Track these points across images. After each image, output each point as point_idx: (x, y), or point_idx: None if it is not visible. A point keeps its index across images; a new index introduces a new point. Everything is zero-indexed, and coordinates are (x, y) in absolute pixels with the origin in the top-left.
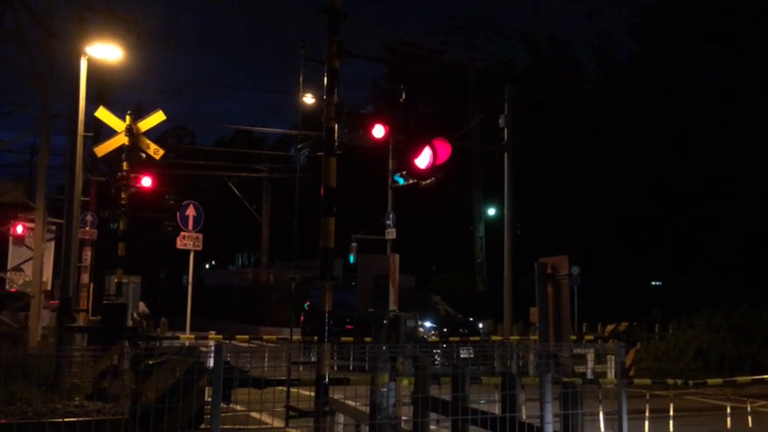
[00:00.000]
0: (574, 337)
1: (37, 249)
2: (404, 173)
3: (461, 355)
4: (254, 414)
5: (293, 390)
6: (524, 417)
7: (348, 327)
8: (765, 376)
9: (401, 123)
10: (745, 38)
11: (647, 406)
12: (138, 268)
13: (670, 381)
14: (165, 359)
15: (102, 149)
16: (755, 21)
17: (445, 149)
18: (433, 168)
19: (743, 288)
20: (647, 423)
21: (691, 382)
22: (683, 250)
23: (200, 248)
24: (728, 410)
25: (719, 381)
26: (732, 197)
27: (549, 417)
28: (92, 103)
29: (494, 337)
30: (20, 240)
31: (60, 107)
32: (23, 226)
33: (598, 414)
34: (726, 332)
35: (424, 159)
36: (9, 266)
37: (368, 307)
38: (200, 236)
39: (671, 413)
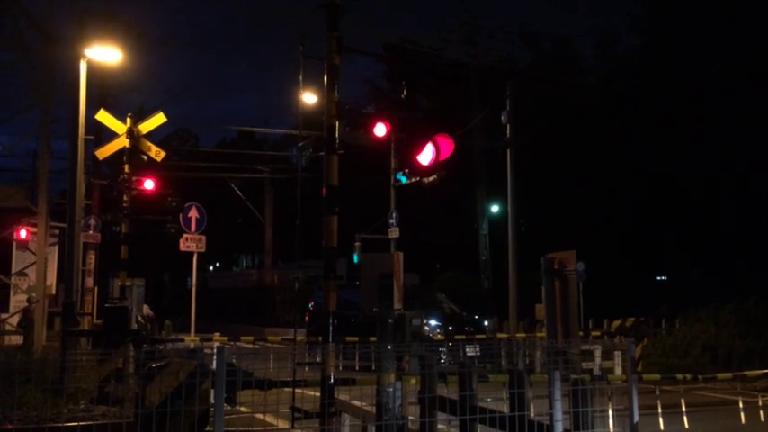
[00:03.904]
0: (581, 334)
1: (40, 254)
2: (406, 171)
3: (467, 353)
4: (258, 416)
5: (298, 390)
6: (533, 415)
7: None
8: None
9: (402, 121)
10: (746, 29)
11: (659, 402)
12: (143, 271)
13: (679, 376)
14: (168, 362)
15: (104, 152)
16: (756, 12)
17: (448, 145)
18: (436, 165)
19: (750, 282)
20: (660, 419)
21: (700, 377)
22: (688, 244)
23: (203, 250)
24: (741, 405)
25: (729, 375)
26: (737, 190)
27: (558, 414)
28: (93, 107)
29: (499, 335)
30: (23, 245)
31: (61, 111)
32: (27, 230)
33: (608, 411)
34: (733, 326)
35: (426, 156)
36: (13, 271)
37: (372, 306)
38: (203, 238)
39: (683, 409)
